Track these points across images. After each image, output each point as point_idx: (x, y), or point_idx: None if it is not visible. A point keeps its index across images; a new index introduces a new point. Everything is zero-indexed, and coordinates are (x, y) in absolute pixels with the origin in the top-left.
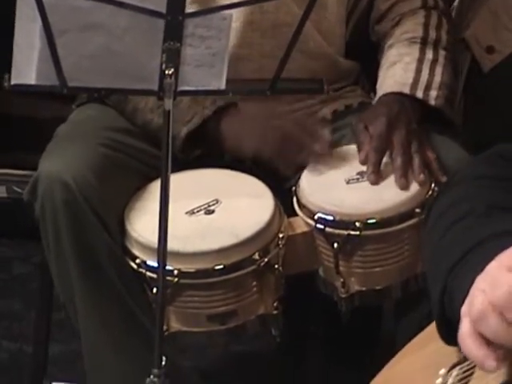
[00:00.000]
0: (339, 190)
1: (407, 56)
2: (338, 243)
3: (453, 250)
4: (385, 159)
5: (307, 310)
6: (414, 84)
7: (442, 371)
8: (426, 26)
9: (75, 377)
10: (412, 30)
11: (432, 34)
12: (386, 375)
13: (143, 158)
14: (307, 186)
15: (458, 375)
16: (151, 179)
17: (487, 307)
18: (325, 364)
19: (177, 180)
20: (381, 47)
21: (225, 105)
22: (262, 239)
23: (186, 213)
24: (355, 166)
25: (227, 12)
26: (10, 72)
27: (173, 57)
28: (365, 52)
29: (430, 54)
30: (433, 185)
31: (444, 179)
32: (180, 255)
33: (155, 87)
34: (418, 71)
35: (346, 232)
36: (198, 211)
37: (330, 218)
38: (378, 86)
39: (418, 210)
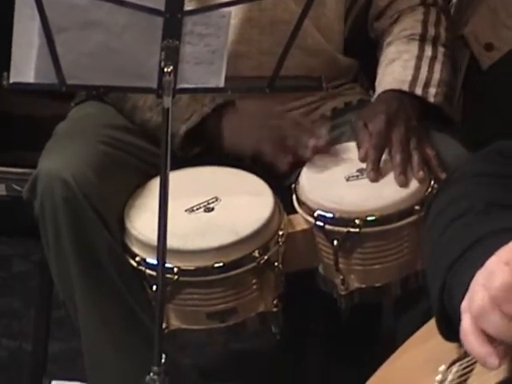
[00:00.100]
0: (339, 187)
1: (406, 53)
2: (337, 240)
3: (452, 247)
4: (384, 156)
5: (307, 308)
6: (413, 81)
7: (442, 368)
8: (424, 23)
9: (75, 375)
10: (411, 27)
11: (431, 31)
12: (386, 371)
13: (142, 156)
14: (307, 183)
15: (457, 372)
16: (151, 177)
17: (488, 303)
18: (324, 361)
19: (176, 178)
20: (379, 44)
21: (224, 102)
22: (262, 237)
23: (186, 210)
24: (355, 164)
25: (226, 10)
26: (8, 70)
27: (172, 54)
28: (363, 49)
29: (428, 51)
30: (432, 182)
31: (443, 176)
32: (179, 253)
33: (154, 85)
34: (417, 68)
35: (345, 229)
36: (197, 209)
37: (330, 215)
38: (376, 84)
39: (417, 207)
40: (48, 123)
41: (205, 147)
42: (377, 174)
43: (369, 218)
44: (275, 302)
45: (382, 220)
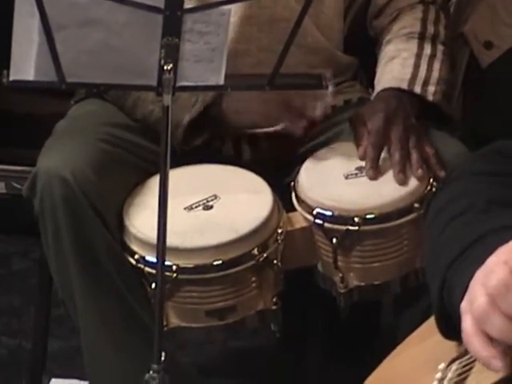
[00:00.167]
0: (338, 185)
1: (405, 51)
2: (336, 238)
3: (452, 246)
4: (383, 154)
5: (306, 305)
6: (412, 79)
7: (442, 366)
8: (423, 21)
9: (74, 373)
10: (410, 25)
11: (430, 29)
12: (385, 369)
13: (142, 154)
14: (306, 181)
15: (457, 370)
16: (150, 174)
17: (489, 306)
18: (325, 361)
19: (175, 175)
20: (379, 42)
21: None
22: (261, 234)
23: (185, 208)
24: (354, 161)
25: (226, 7)
26: (8, 68)
27: (171, 52)
28: (363, 47)
29: (427, 49)
30: (431, 180)
31: (442, 174)
32: (179, 251)
33: (154, 83)
34: (416, 66)
35: (344, 227)
36: (196, 207)
37: (329, 213)
38: (376, 82)
39: (416, 205)
40: (48, 121)
41: (207, 137)
42: (376, 172)
43: (368, 216)
44: (274, 299)
45: (381, 218)
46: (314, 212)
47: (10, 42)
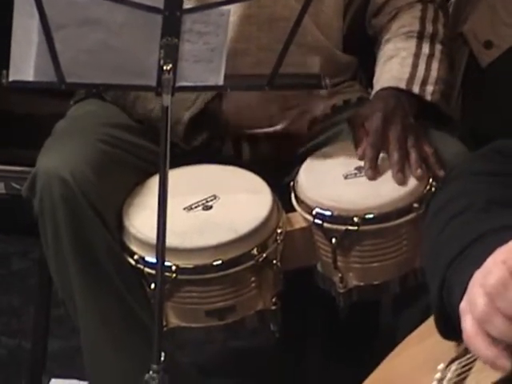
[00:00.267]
0: (337, 185)
1: (404, 50)
2: (335, 238)
3: (451, 245)
4: (382, 154)
5: (306, 306)
6: (411, 79)
7: (441, 366)
8: (422, 20)
9: (74, 373)
10: (409, 24)
11: (428, 28)
12: (385, 369)
13: (141, 154)
14: (305, 181)
15: (456, 370)
16: (149, 175)
17: (490, 307)
18: (325, 361)
19: (175, 176)
20: (378, 41)
21: None
22: (261, 235)
23: (184, 208)
24: (353, 161)
25: (225, 8)
26: (8, 69)
27: (171, 52)
28: (362, 46)
29: (426, 49)
30: (431, 180)
31: (442, 173)
32: (178, 251)
33: (153, 83)
34: (415, 66)
35: (343, 227)
36: (195, 207)
37: (328, 213)
38: (374, 81)
39: (415, 205)
40: (47, 121)
41: (207, 135)
42: (375, 172)
43: (367, 216)
44: (274, 299)
45: (381, 218)
46: (314, 212)
47: (10, 42)
